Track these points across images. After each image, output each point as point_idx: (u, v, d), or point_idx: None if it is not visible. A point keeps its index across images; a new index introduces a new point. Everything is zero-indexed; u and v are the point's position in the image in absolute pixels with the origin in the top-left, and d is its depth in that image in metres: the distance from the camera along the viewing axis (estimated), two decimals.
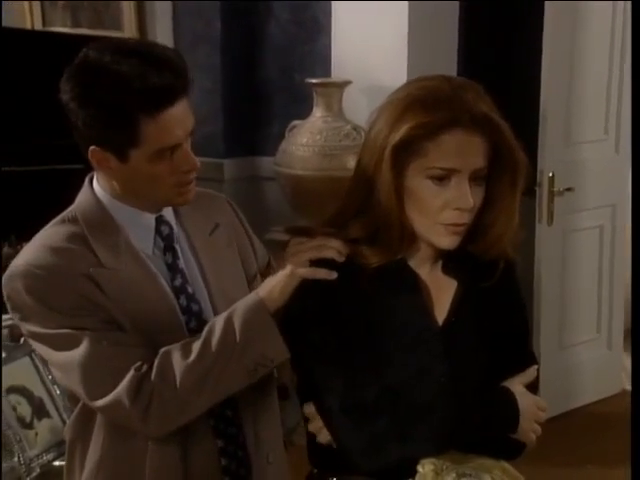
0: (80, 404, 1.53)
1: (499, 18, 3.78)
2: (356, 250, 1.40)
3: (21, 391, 2.14)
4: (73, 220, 1.49)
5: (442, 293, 1.45)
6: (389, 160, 1.34)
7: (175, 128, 1.43)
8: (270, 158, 3.57)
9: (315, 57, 3.70)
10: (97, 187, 1.52)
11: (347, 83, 3.34)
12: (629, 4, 2.97)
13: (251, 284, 1.63)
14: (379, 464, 1.37)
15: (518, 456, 1.44)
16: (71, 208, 1.52)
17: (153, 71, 1.38)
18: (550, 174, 3.31)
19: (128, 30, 3.87)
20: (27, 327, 1.46)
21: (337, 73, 3.49)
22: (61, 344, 1.43)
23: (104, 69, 1.40)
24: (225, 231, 1.63)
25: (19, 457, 2.06)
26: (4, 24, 3.87)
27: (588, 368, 3.65)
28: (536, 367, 1.47)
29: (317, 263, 1.40)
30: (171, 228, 1.54)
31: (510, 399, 1.41)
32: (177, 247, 1.54)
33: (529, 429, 1.42)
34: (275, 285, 1.41)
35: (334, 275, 1.38)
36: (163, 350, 1.43)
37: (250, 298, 1.43)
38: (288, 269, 1.39)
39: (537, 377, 1.47)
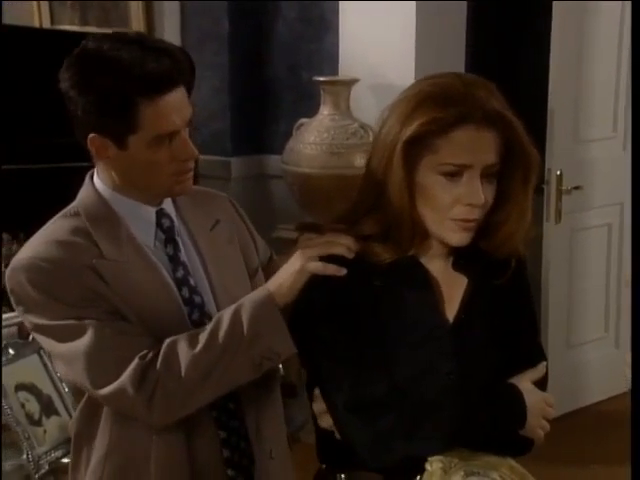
0: (85, 397, 1.53)
1: (507, 17, 3.77)
2: (367, 247, 1.40)
3: (29, 388, 2.14)
4: (75, 214, 1.51)
5: (453, 290, 1.45)
6: (400, 156, 1.35)
7: (173, 115, 1.44)
8: (277, 156, 3.58)
9: (323, 55, 3.70)
10: (97, 181, 1.53)
11: (354, 81, 3.34)
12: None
13: (253, 279, 1.64)
14: (386, 461, 1.37)
15: (526, 453, 1.43)
16: (73, 204, 1.54)
17: (152, 58, 1.41)
18: (558, 172, 3.31)
19: (136, 29, 3.88)
20: (31, 319, 1.47)
21: (344, 71, 3.49)
22: (65, 335, 1.43)
23: (103, 56, 1.42)
24: (226, 227, 1.64)
25: (28, 454, 2.07)
26: (13, 23, 3.89)
27: (596, 367, 3.65)
28: (545, 363, 1.47)
29: (327, 259, 1.40)
30: (172, 221, 1.55)
31: (516, 395, 1.41)
32: (178, 240, 1.55)
33: (537, 425, 1.42)
34: (284, 280, 1.41)
35: (343, 271, 1.38)
36: (169, 340, 1.43)
37: (259, 292, 1.43)
38: (298, 264, 1.40)
39: (546, 374, 1.47)
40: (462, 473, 1.34)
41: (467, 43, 3.58)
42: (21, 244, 1.56)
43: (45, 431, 2.11)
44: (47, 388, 2.19)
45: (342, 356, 1.38)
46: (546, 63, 3.26)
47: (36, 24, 3.97)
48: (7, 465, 2.12)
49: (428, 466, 1.35)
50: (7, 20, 3.97)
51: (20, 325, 2.22)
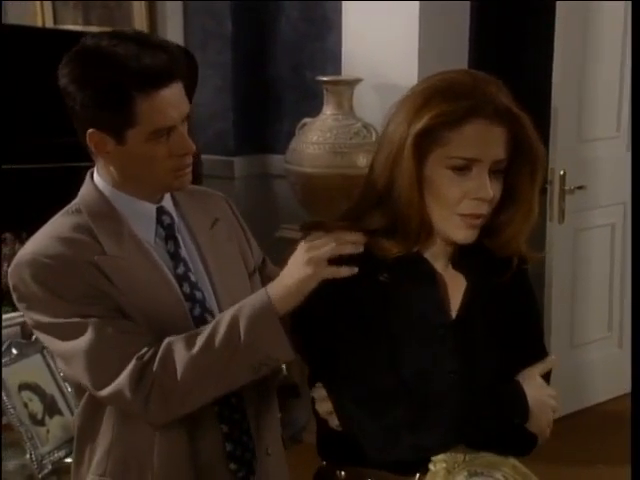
0: (87, 393, 1.54)
1: (510, 17, 3.77)
2: (373, 241, 1.40)
3: (33, 388, 2.14)
4: (77, 211, 1.52)
5: (455, 288, 1.45)
6: (410, 149, 1.35)
7: (170, 109, 1.46)
8: (280, 156, 3.58)
9: (326, 55, 3.69)
10: (97, 179, 1.55)
11: (358, 81, 3.33)
12: None
13: (250, 280, 1.65)
14: (392, 454, 1.37)
15: (529, 452, 1.43)
16: (75, 201, 1.56)
17: (148, 53, 1.43)
18: (561, 172, 3.30)
19: (139, 28, 3.88)
20: (33, 316, 1.48)
21: (348, 71, 3.48)
22: (67, 333, 1.44)
23: (101, 51, 1.45)
24: (224, 226, 1.65)
25: (31, 454, 2.07)
26: (16, 22, 3.89)
27: (599, 367, 3.64)
28: (553, 357, 1.46)
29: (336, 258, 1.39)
30: (172, 218, 1.56)
31: (518, 392, 1.40)
32: (178, 236, 1.56)
33: (546, 421, 1.41)
34: (291, 286, 1.38)
35: (355, 270, 1.37)
36: (167, 341, 1.44)
37: (259, 297, 1.42)
38: (309, 270, 1.36)
39: (548, 373, 1.47)
40: (466, 473, 1.34)
41: (470, 43, 3.58)
42: (24, 244, 1.56)
43: (48, 431, 2.10)
44: (50, 388, 2.19)
45: (347, 349, 1.38)
46: (549, 63, 3.26)
47: (39, 24, 3.98)
48: (10, 465, 2.12)
49: (432, 466, 1.35)
50: (10, 19, 3.98)
51: (23, 325, 2.22)
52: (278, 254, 3.59)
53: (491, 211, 1.40)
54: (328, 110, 3.35)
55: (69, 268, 1.44)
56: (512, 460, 1.40)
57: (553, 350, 3.33)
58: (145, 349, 1.43)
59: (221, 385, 1.44)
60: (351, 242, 1.37)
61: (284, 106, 3.86)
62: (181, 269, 1.54)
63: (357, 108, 3.36)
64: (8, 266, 1.53)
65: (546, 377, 1.45)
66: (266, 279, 1.65)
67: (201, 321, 1.52)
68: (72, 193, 1.58)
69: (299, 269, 1.37)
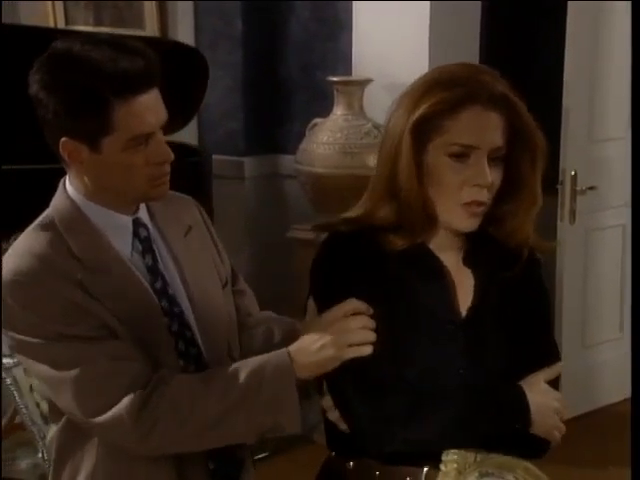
0: (64, 419, 1.48)
1: (521, 16, 3.76)
2: (382, 237, 1.41)
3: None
4: (51, 225, 1.45)
5: (464, 284, 1.45)
6: (409, 138, 1.36)
7: (148, 116, 1.39)
8: (291, 156, 3.58)
9: (336, 55, 3.70)
10: (70, 189, 1.48)
11: (368, 81, 3.33)
12: None
13: (223, 291, 1.60)
14: (384, 448, 1.38)
15: (542, 455, 1.43)
16: (47, 212, 1.48)
17: (125, 57, 1.37)
18: (572, 172, 3.29)
19: (150, 28, 3.89)
20: (16, 337, 1.41)
21: (358, 71, 3.48)
22: (54, 359, 1.38)
23: (74, 56, 1.38)
24: (197, 234, 1.59)
25: (43, 454, 2.08)
26: (27, 23, 3.91)
27: (611, 367, 3.62)
28: (561, 364, 1.46)
29: (337, 238, 1.42)
30: (148, 231, 1.51)
31: (519, 395, 1.40)
32: (155, 249, 1.51)
33: (553, 426, 1.41)
34: (314, 361, 1.38)
35: (369, 351, 1.37)
36: (179, 379, 1.39)
37: (283, 361, 1.39)
38: (333, 351, 1.36)
39: (557, 377, 1.46)
40: (477, 474, 1.34)
41: (481, 43, 3.57)
42: None
43: None
44: None
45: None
46: (560, 62, 3.25)
47: (51, 24, 4.00)
48: (23, 464, 2.12)
49: (442, 466, 1.35)
50: (22, 20, 3.99)
51: None
52: (288, 254, 3.59)
53: (494, 199, 1.41)
54: (338, 110, 3.35)
55: (50, 288, 1.38)
56: (524, 462, 1.40)
57: (564, 350, 3.32)
58: (143, 376, 1.38)
59: (222, 438, 1.41)
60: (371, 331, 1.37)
61: (294, 106, 3.86)
62: (159, 284, 1.49)
63: (367, 108, 3.36)
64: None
65: (554, 382, 1.45)
66: (237, 294, 1.63)
67: (180, 336, 1.49)
68: None
69: (325, 348, 1.37)
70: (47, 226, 1.45)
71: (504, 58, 3.69)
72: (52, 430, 1.55)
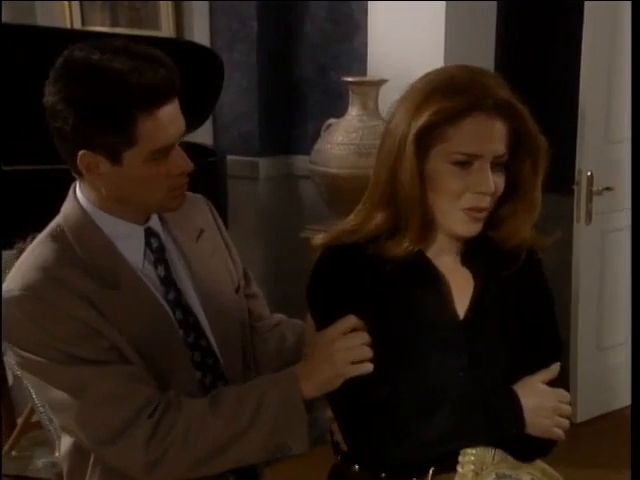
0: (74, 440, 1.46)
1: (537, 17, 3.74)
2: (378, 246, 1.40)
3: None
4: (61, 236, 1.41)
5: (462, 287, 1.44)
6: (412, 147, 1.35)
7: (170, 127, 1.37)
8: (305, 156, 3.58)
9: (351, 55, 3.69)
10: (81, 197, 1.44)
11: (383, 81, 3.33)
12: None
13: (236, 294, 1.58)
14: (388, 463, 1.38)
15: (546, 454, 1.42)
16: (58, 221, 1.45)
17: (147, 67, 1.33)
18: (589, 173, 3.27)
19: (166, 29, 3.90)
20: (22, 354, 1.37)
21: (373, 71, 3.48)
22: (61, 380, 1.35)
23: (95, 66, 1.33)
24: (209, 237, 1.57)
25: (59, 452, 2.09)
26: (43, 24, 3.93)
27: (626, 370, 3.60)
28: (558, 364, 1.44)
29: (331, 254, 1.41)
30: (160, 240, 1.48)
31: (510, 399, 1.39)
32: (168, 258, 1.48)
33: (552, 425, 1.40)
34: (319, 382, 1.38)
35: (370, 368, 1.37)
36: (187, 405, 1.37)
37: (290, 383, 1.39)
38: (338, 369, 1.36)
39: (561, 375, 1.44)
40: (494, 476, 1.34)
41: (497, 43, 3.56)
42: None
43: None
44: None
45: None
46: (577, 63, 3.23)
47: (67, 25, 4.02)
48: (39, 462, 2.14)
49: (459, 467, 1.35)
50: (39, 20, 4.01)
51: None
52: (303, 255, 3.60)
53: (495, 203, 1.40)
54: (353, 111, 3.34)
55: (60, 305, 1.34)
56: (540, 462, 1.40)
57: (580, 353, 3.31)
58: (150, 402, 1.35)
59: (233, 461, 1.40)
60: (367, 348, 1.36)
61: (309, 107, 3.86)
62: (172, 294, 1.46)
63: (382, 109, 3.34)
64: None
65: (557, 381, 1.43)
66: (249, 297, 1.61)
67: (196, 347, 1.47)
68: None
69: (329, 367, 1.37)
70: (57, 237, 1.42)
71: (520, 58, 3.67)
72: (64, 442, 1.52)
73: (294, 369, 1.40)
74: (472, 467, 1.33)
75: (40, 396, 1.47)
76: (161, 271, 1.46)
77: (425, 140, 1.35)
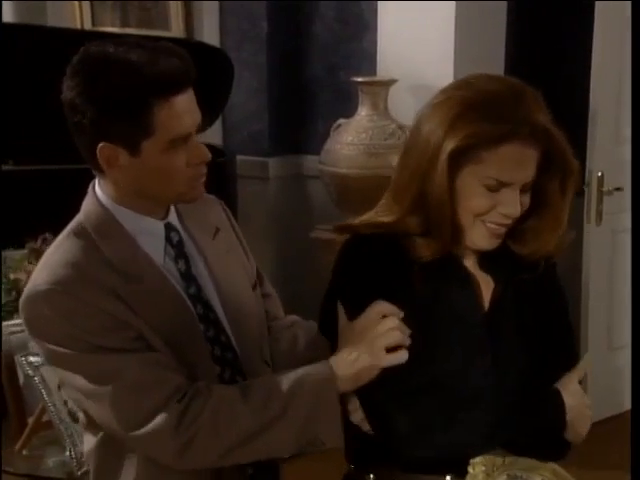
0: (102, 433, 1.46)
1: (547, 17, 3.73)
2: (409, 242, 1.40)
3: None
4: (83, 233, 1.42)
5: (484, 287, 1.44)
6: (445, 165, 1.34)
7: (187, 116, 1.38)
8: (315, 156, 3.58)
9: (361, 55, 3.69)
10: (101, 194, 1.45)
11: (393, 81, 3.33)
12: None
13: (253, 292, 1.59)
14: (420, 453, 1.37)
15: (564, 457, 1.42)
16: (79, 219, 1.45)
17: (161, 58, 1.35)
18: (599, 174, 3.26)
19: (176, 29, 3.92)
20: (54, 349, 1.37)
21: (383, 71, 3.48)
22: (92, 370, 1.36)
23: (111, 59, 1.35)
24: (225, 235, 1.57)
25: (70, 451, 2.09)
26: (53, 24, 3.94)
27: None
28: (585, 363, 1.45)
29: (363, 241, 1.41)
30: (180, 235, 1.48)
31: (558, 401, 1.39)
32: (187, 253, 1.49)
33: (584, 430, 1.41)
34: (354, 373, 1.35)
35: (406, 357, 1.35)
36: (218, 390, 1.37)
37: (324, 373, 1.37)
38: (373, 359, 1.34)
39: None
40: (505, 477, 1.34)
41: (507, 43, 3.56)
42: (48, 244, 1.50)
43: None
44: None
45: None
46: (588, 63, 3.22)
47: (77, 25, 4.03)
48: (50, 462, 2.14)
49: (470, 469, 1.34)
50: (49, 21, 4.03)
51: None
52: (312, 254, 3.58)
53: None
54: (363, 111, 3.34)
55: (88, 297, 1.35)
56: (552, 464, 1.39)
57: (591, 353, 3.30)
58: (179, 389, 1.36)
59: (262, 451, 1.39)
60: (402, 331, 1.35)
61: (319, 107, 3.86)
62: (193, 289, 1.46)
63: (392, 109, 3.35)
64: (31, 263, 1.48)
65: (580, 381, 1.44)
66: (263, 297, 1.61)
67: (216, 342, 1.47)
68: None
69: (364, 357, 1.35)
70: (80, 233, 1.43)
71: (530, 58, 3.66)
72: (87, 440, 1.53)
73: (329, 360, 1.38)
74: (483, 468, 1.33)
75: (70, 389, 1.46)
76: (182, 265, 1.47)
77: (457, 158, 1.34)
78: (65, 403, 2.12)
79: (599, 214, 3.31)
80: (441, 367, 1.38)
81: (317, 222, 3.59)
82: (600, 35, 3.19)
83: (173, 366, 1.39)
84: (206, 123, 3.20)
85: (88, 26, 4.02)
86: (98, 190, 1.46)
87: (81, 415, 1.53)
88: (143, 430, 1.35)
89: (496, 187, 1.35)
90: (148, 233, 1.45)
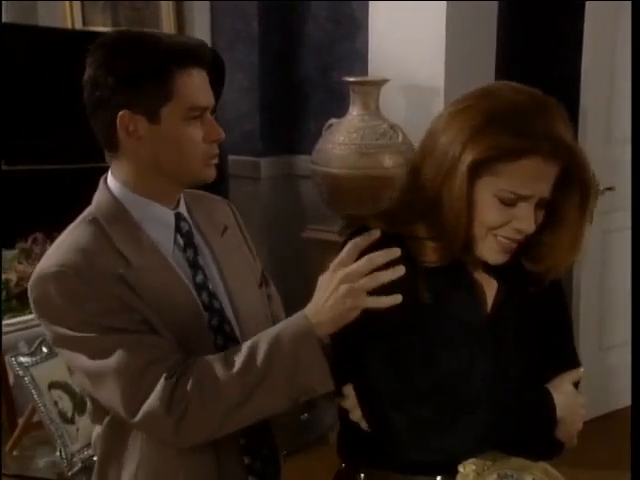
0: (109, 418, 1.49)
1: (538, 17, 3.74)
2: (416, 246, 1.38)
3: (62, 387, 2.16)
4: (94, 221, 1.47)
5: (487, 290, 1.44)
6: (464, 177, 1.32)
7: (204, 91, 1.45)
8: (307, 156, 3.58)
9: (353, 55, 3.69)
10: (113, 183, 1.50)
11: (384, 81, 3.33)
12: None
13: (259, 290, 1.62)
14: (417, 456, 1.37)
15: (556, 456, 1.42)
16: (90, 209, 1.51)
17: (180, 36, 1.42)
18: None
19: (167, 29, 3.90)
20: (58, 330, 1.42)
21: (374, 71, 3.48)
22: (95, 349, 1.39)
23: (131, 38, 1.44)
24: (233, 234, 1.62)
25: (61, 452, 2.09)
26: (44, 24, 3.93)
27: (628, 370, 3.60)
28: (582, 369, 1.45)
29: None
30: (189, 225, 1.53)
31: (548, 400, 1.39)
32: (196, 244, 1.53)
33: (576, 429, 1.41)
34: (331, 316, 1.34)
35: (399, 298, 1.31)
36: (200, 361, 1.39)
37: (300, 323, 1.37)
38: (349, 302, 1.32)
39: (577, 383, 1.46)
40: (495, 476, 1.34)
41: (498, 43, 3.56)
42: (38, 244, 1.54)
43: (78, 429, 2.11)
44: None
45: (384, 351, 1.37)
46: (578, 63, 3.24)
47: (68, 25, 4.02)
48: (41, 462, 2.14)
49: (461, 468, 1.35)
50: (40, 21, 4.02)
51: None
52: (304, 254, 3.59)
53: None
54: (355, 111, 3.34)
55: (96, 281, 1.40)
56: (543, 463, 1.40)
57: (581, 353, 3.30)
58: (172, 368, 1.38)
59: (256, 412, 1.40)
60: (389, 257, 1.31)
61: (311, 107, 3.86)
62: (200, 278, 1.50)
63: (384, 109, 3.35)
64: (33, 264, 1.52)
65: (575, 386, 1.44)
66: (269, 299, 1.64)
67: (219, 331, 1.49)
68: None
69: (338, 301, 1.33)
70: (91, 221, 1.48)
71: (521, 58, 3.67)
72: (96, 430, 1.56)
73: (304, 310, 1.39)
74: (474, 467, 1.34)
75: (78, 373, 1.50)
76: (190, 254, 1.51)
77: (476, 169, 1.32)
78: (55, 404, 2.12)
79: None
80: (443, 369, 1.38)
81: (309, 222, 3.59)
82: (591, 35, 3.20)
83: (174, 349, 1.41)
84: None
85: (79, 26, 4.01)
86: (110, 180, 1.51)
87: (88, 404, 1.57)
88: (141, 407, 1.38)
89: (512, 201, 1.33)
90: (158, 221, 1.49)
